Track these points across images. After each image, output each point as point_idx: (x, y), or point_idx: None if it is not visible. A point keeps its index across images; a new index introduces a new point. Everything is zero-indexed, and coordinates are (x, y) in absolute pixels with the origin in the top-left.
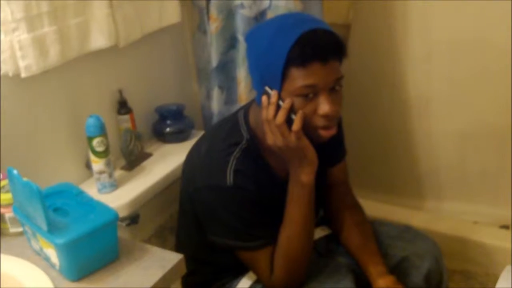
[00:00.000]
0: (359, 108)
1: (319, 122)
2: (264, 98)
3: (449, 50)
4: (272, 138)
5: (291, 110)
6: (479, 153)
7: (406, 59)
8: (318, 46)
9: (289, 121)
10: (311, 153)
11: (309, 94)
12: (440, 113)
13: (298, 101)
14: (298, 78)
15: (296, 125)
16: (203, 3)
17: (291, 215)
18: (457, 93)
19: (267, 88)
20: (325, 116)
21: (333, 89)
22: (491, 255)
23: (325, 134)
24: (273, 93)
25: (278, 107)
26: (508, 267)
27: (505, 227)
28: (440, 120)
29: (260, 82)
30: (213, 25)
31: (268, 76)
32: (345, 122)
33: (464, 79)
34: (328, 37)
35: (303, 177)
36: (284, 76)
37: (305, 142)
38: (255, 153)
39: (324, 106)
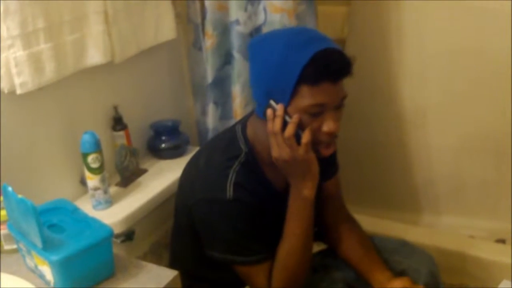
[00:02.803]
0: (354, 122)
1: (322, 138)
2: (269, 111)
3: (445, 62)
4: (278, 151)
5: (298, 124)
6: (475, 167)
7: (402, 72)
8: (330, 67)
9: (295, 135)
10: (315, 167)
11: (317, 112)
12: (436, 125)
13: (304, 117)
14: (309, 96)
15: (305, 138)
16: (199, 20)
17: (291, 230)
18: (453, 105)
19: (272, 102)
20: (329, 133)
21: (338, 107)
22: (487, 269)
23: (326, 152)
24: (279, 107)
25: (284, 120)
26: (504, 281)
27: (501, 241)
28: (436, 133)
29: (265, 94)
30: (208, 41)
31: (276, 90)
32: (340, 136)
33: (460, 90)
34: (340, 57)
35: (305, 191)
36: (293, 92)
37: (312, 155)
38: (253, 166)
39: (329, 124)
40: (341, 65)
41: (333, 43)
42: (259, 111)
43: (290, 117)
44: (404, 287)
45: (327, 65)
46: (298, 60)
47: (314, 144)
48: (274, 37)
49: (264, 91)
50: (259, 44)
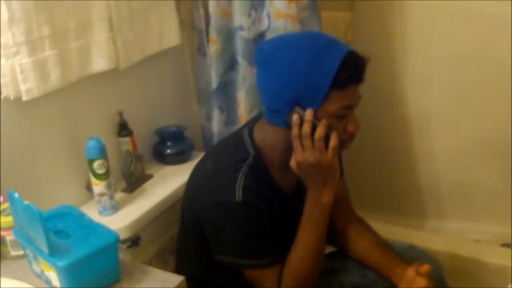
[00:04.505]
0: None
1: (346, 137)
2: (296, 116)
3: (449, 67)
4: (303, 155)
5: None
6: (480, 171)
7: (406, 77)
8: (358, 69)
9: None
10: (338, 173)
11: (344, 114)
12: (441, 130)
13: (332, 121)
14: (338, 100)
15: (333, 142)
16: (203, 26)
17: (306, 236)
18: (458, 109)
19: (298, 108)
20: (353, 133)
21: (356, 107)
22: (493, 273)
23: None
24: (309, 112)
25: (313, 124)
26: (509, 286)
27: (506, 245)
28: (441, 137)
29: (289, 102)
30: (213, 47)
31: (305, 97)
32: None
33: (465, 94)
34: (362, 59)
35: (324, 197)
36: (324, 97)
37: (337, 161)
38: (261, 169)
39: (355, 124)
40: (363, 67)
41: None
42: (277, 119)
43: (318, 121)
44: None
45: (355, 68)
46: (330, 64)
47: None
48: (293, 42)
49: (290, 98)
50: (277, 50)
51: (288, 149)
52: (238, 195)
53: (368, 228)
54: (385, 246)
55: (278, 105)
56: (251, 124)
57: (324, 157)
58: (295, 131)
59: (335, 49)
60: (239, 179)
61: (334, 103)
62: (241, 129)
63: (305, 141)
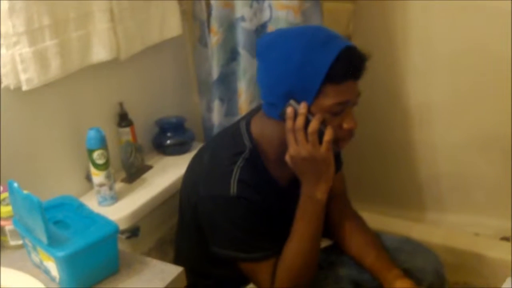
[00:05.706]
0: (359, 119)
1: (342, 135)
2: (290, 109)
3: (449, 61)
4: (296, 148)
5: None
6: (480, 164)
7: (407, 69)
8: (355, 64)
9: (318, 132)
10: (332, 169)
11: (339, 110)
12: (440, 123)
13: (326, 116)
14: (333, 95)
15: (328, 135)
16: (204, 16)
17: (300, 231)
18: (457, 103)
19: (292, 102)
20: (350, 130)
21: (354, 105)
22: (492, 267)
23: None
24: (303, 105)
25: (306, 118)
26: (508, 279)
27: (505, 239)
28: (442, 130)
29: (284, 95)
30: (214, 38)
31: (299, 90)
32: None
33: (465, 89)
34: (361, 55)
35: (318, 194)
36: (318, 91)
37: (331, 156)
38: (257, 162)
39: (351, 121)
40: (362, 63)
41: (348, 41)
42: (273, 112)
43: (313, 115)
44: None
45: (352, 63)
46: (324, 58)
47: (334, 141)
48: (290, 36)
49: (284, 91)
50: (274, 44)
51: (284, 143)
52: (233, 188)
53: (362, 225)
54: (378, 246)
55: (273, 98)
56: (248, 117)
57: (318, 151)
58: (289, 124)
59: (332, 43)
60: (235, 172)
61: (328, 98)
62: (238, 121)
63: (298, 135)
